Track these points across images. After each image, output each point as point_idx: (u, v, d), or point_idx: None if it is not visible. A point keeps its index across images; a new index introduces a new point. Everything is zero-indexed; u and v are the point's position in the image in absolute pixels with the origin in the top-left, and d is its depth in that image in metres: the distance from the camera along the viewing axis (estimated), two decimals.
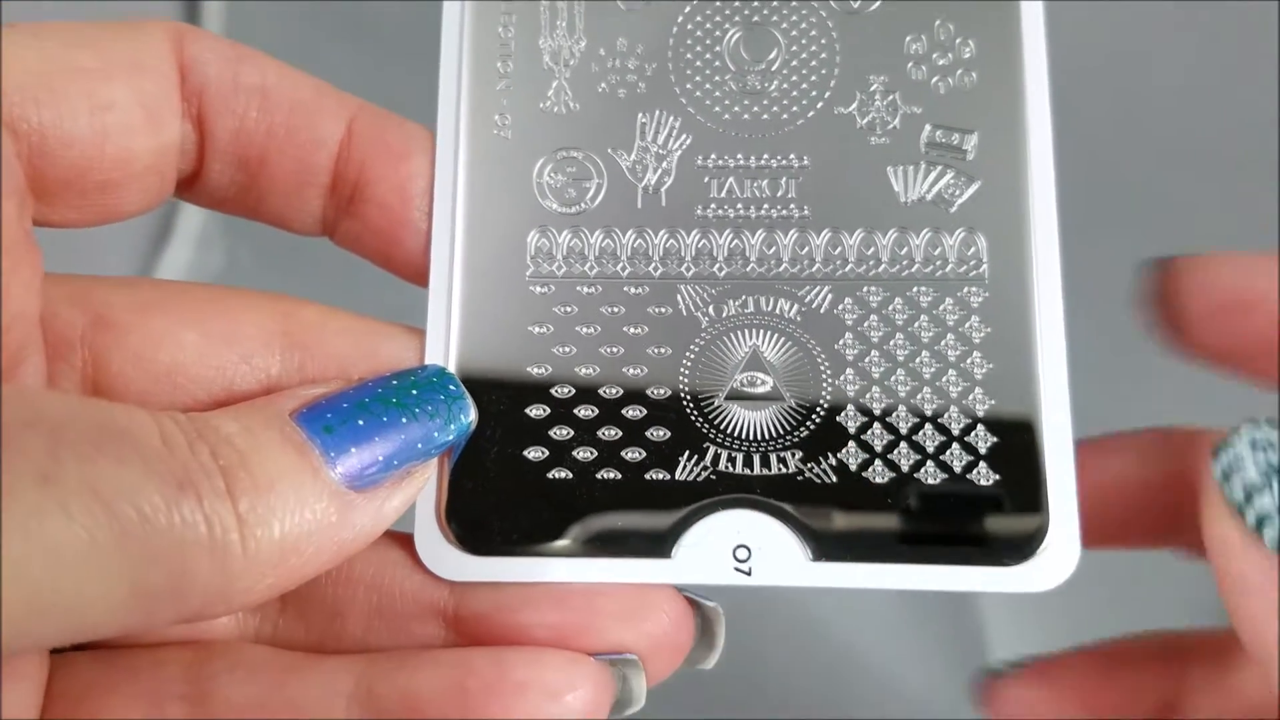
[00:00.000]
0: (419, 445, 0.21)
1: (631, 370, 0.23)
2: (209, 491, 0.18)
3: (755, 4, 0.25)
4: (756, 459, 0.23)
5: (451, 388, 0.22)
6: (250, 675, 0.21)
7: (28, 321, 0.21)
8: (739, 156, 0.24)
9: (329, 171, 0.23)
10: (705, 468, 0.23)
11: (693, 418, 0.23)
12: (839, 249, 0.24)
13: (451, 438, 0.22)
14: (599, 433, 0.23)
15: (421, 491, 0.22)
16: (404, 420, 0.21)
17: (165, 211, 0.47)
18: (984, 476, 0.23)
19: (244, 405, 0.21)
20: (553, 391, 0.23)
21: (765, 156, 0.24)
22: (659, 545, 0.22)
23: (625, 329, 0.23)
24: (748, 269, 0.24)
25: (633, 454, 0.23)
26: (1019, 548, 0.22)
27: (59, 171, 0.21)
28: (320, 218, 0.24)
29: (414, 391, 0.22)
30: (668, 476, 0.23)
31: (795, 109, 0.24)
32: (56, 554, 0.16)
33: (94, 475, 0.17)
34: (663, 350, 0.23)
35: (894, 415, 0.23)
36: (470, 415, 0.23)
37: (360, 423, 0.20)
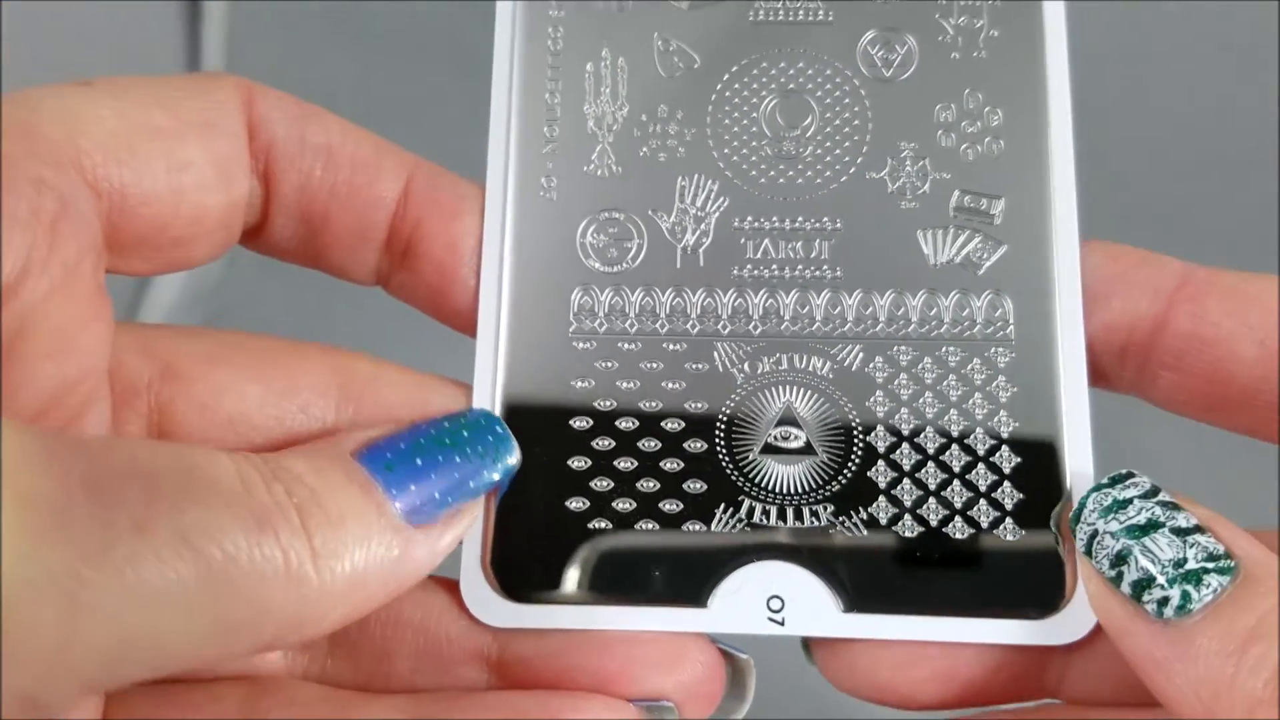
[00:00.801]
0: (470, 484, 0.22)
1: (669, 424, 0.24)
2: (285, 527, 0.19)
3: (791, 73, 0.26)
4: (790, 512, 0.24)
5: (498, 429, 0.23)
6: (303, 710, 0.22)
7: (98, 375, 0.22)
8: (774, 219, 0.25)
9: (386, 228, 0.24)
10: (740, 520, 0.24)
11: (728, 471, 0.24)
12: (870, 309, 0.25)
13: (498, 477, 0.23)
14: (638, 485, 0.24)
15: (469, 531, 0.23)
16: (457, 459, 0.22)
17: None
18: (1010, 532, 0.23)
19: (309, 446, 0.22)
20: (594, 444, 0.24)
21: (800, 219, 0.25)
22: (695, 595, 0.23)
23: (664, 384, 0.24)
24: (782, 327, 0.25)
25: (670, 506, 0.24)
26: (1044, 601, 0.23)
27: (136, 228, 0.22)
28: (375, 269, 0.25)
29: (465, 433, 0.23)
30: (704, 528, 0.24)
31: (829, 174, 0.25)
32: (148, 596, 0.17)
33: (184, 522, 0.18)
34: (699, 405, 0.24)
35: (923, 472, 0.24)
36: (515, 456, 0.24)
37: (418, 461, 0.22)
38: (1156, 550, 0.20)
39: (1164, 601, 0.20)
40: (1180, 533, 0.21)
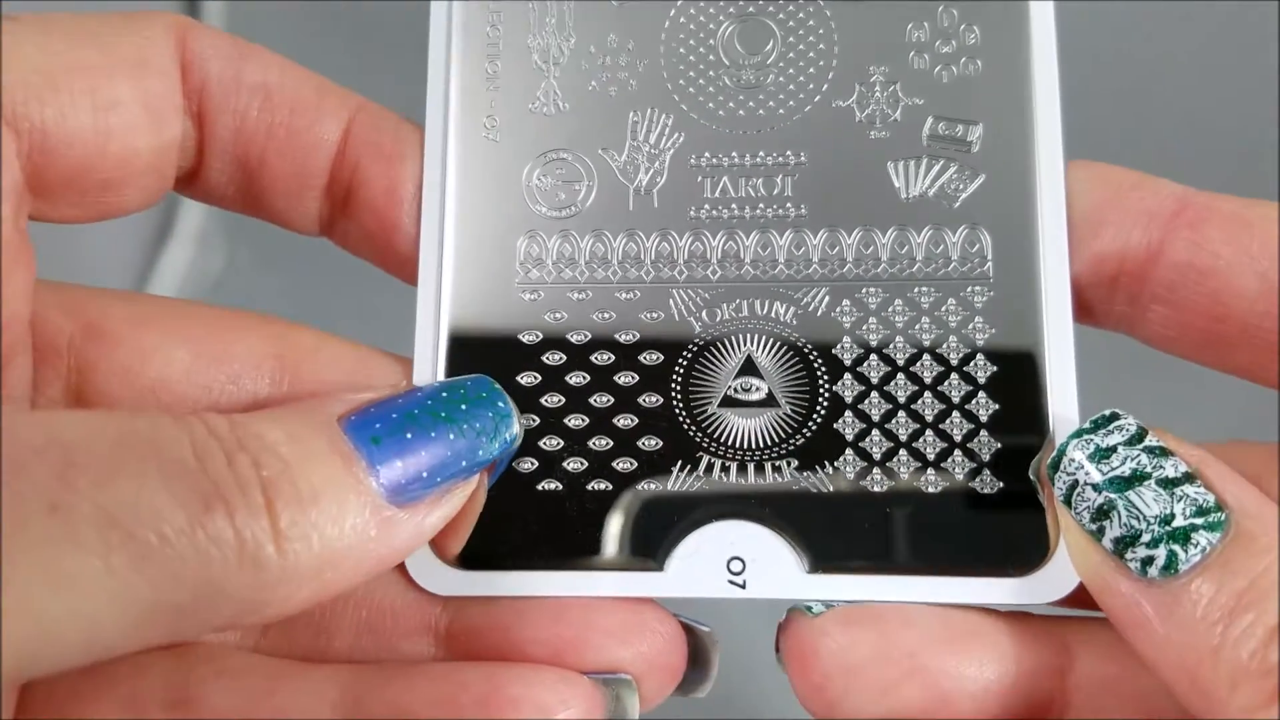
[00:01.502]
0: (463, 462, 0.21)
1: (623, 379, 0.23)
2: (243, 506, 0.18)
3: None
4: (751, 468, 0.22)
5: (500, 404, 0.22)
6: (235, 682, 0.21)
7: (20, 323, 0.21)
8: (733, 154, 0.23)
9: (326, 173, 0.23)
10: (698, 478, 0.22)
11: (685, 426, 0.22)
12: (837, 249, 0.23)
13: (495, 454, 0.21)
14: (590, 443, 0.22)
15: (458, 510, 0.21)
16: (451, 436, 0.20)
17: (165, 210, 0.47)
18: (988, 484, 0.22)
19: (290, 408, 0.20)
20: (543, 401, 0.23)
21: (761, 154, 0.23)
22: (651, 558, 0.22)
23: (617, 335, 0.23)
24: (742, 271, 0.23)
25: (624, 464, 0.22)
26: (1025, 557, 0.21)
27: (60, 170, 0.21)
28: (317, 217, 0.24)
29: (463, 406, 0.21)
30: (660, 487, 0.22)
31: (792, 103, 0.24)
32: (65, 581, 0.16)
33: (109, 499, 0.17)
34: (655, 357, 0.23)
35: (893, 422, 0.22)
36: (515, 430, 0.22)
37: (408, 435, 0.20)
38: (1142, 505, 0.19)
39: (1149, 561, 0.19)
40: (1168, 484, 0.19)
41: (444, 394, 0.21)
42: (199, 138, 0.23)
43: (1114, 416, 0.20)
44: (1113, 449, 0.20)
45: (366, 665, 0.21)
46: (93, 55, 0.21)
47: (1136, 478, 0.19)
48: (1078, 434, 0.20)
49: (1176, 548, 0.18)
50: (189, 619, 0.18)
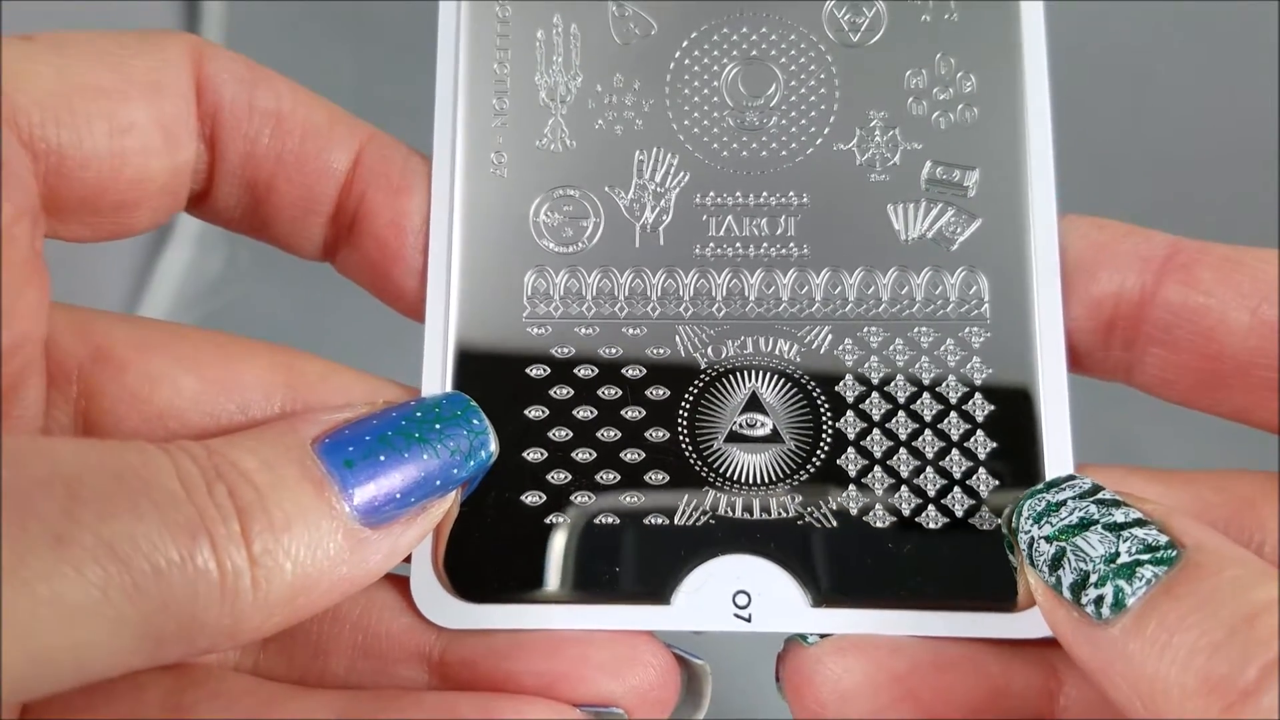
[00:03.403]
0: (437, 482, 0.21)
1: (630, 413, 0.23)
2: (223, 536, 0.18)
3: (754, 39, 0.25)
4: (756, 503, 0.23)
5: (475, 422, 0.22)
6: (230, 704, 0.21)
7: (34, 344, 0.21)
8: (737, 194, 0.24)
9: (334, 201, 0.23)
10: (705, 512, 0.23)
11: (692, 461, 0.23)
12: (839, 288, 0.23)
13: (470, 473, 0.22)
14: (597, 477, 0.23)
15: (433, 528, 0.22)
16: (425, 456, 0.21)
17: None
18: (986, 521, 0.22)
19: (264, 431, 0.20)
20: (550, 435, 0.23)
21: (764, 194, 0.24)
22: (658, 592, 0.22)
23: (623, 371, 0.23)
24: (747, 309, 0.23)
25: (631, 498, 0.23)
26: (1016, 594, 0.22)
27: (75, 191, 0.21)
28: (321, 243, 0.24)
29: (437, 426, 0.21)
30: (666, 521, 0.23)
31: (794, 145, 0.24)
32: (66, 611, 0.16)
33: (110, 533, 0.17)
34: (661, 392, 0.23)
35: (895, 459, 0.23)
36: (491, 448, 0.22)
37: (381, 458, 0.20)
38: (1088, 548, 0.19)
39: (1099, 600, 0.19)
40: (1115, 528, 0.19)
41: (418, 414, 0.21)
42: (210, 160, 0.23)
43: (1070, 477, 0.21)
44: (1062, 503, 0.20)
45: (362, 692, 0.22)
46: (109, 77, 0.21)
47: (1083, 524, 0.20)
48: (1031, 494, 0.21)
49: (1122, 583, 0.19)
50: (169, 646, 0.18)
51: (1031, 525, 0.20)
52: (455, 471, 0.21)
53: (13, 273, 0.20)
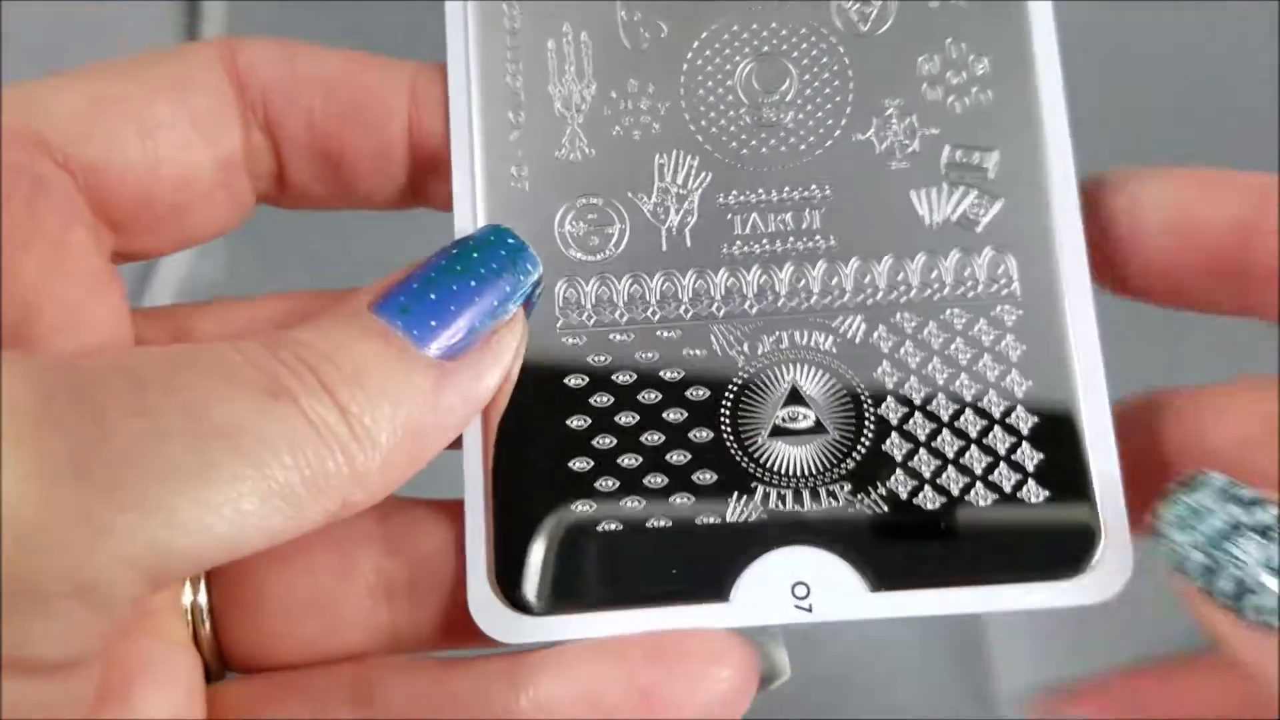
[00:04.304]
0: (494, 303, 0.21)
1: (671, 415, 0.23)
2: (302, 390, 0.18)
3: (764, 34, 0.25)
4: (806, 494, 0.23)
5: (510, 240, 0.22)
6: (412, 676, 0.22)
7: (123, 347, 0.22)
8: (760, 191, 0.24)
9: (404, 142, 0.24)
10: (755, 507, 0.23)
11: (737, 458, 0.23)
12: (868, 277, 0.24)
13: (519, 289, 0.22)
14: (644, 481, 0.23)
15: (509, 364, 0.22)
16: (473, 283, 0.21)
17: None
18: (1033, 494, 0.23)
19: (318, 314, 0.21)
20: (594, 443, 0.23)
21: (786, 189, 0.24)
22: (716, 590, 0.22)
23: (661, 374, 0.23)
24: (779, 304, 0.24)
25: (681, 500, 0.23)
26: (1074, 561, 0.22)
27: (123, 201, 0.22)
28: (410, 189, 0.24)
29: (475, 255, 0.22)
30: (718, 520, 0.23)
31: (812, 139, 0.24)
32: (167, 475, 0.17)
33: (184, 401, 0.17)
34: (701, 392, 0.23)
35: (939, 440, 0.23)
36: (536, 263, 0.22)
37: (432, 296, 0.21)
38: (1241, 554, 0.19)
39: (1260, 609, 0.19)
40: (1263, 530, 0.19)
41: (454, 251, 0.22)
42: (273, 144, 0.23)
43: (1199, 475, 0.20)
44: (1203, 507, 0.20)
45: (528, 654, 0.22)
46: (131, 87, 0.22)
47: (1231, 529, 0.19)
48: (1170, 499, 0.20)
49: None
50: (303, 503, 0.18)
51: (1177, 533, 0.20)
52: (507, 288, 0.22)
53: (80, 283, 0.21)
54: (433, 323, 0.20)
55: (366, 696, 0.22)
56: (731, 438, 0.23)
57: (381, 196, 0.24)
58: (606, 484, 0.23)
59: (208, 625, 0.23)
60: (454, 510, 0.23)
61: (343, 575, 0.23)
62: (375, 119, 0.23)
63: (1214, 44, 0.42)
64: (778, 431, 0.23)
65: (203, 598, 0.23)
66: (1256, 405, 0.22)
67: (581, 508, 0.23)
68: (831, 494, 0.23)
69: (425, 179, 0.24)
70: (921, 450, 0.23)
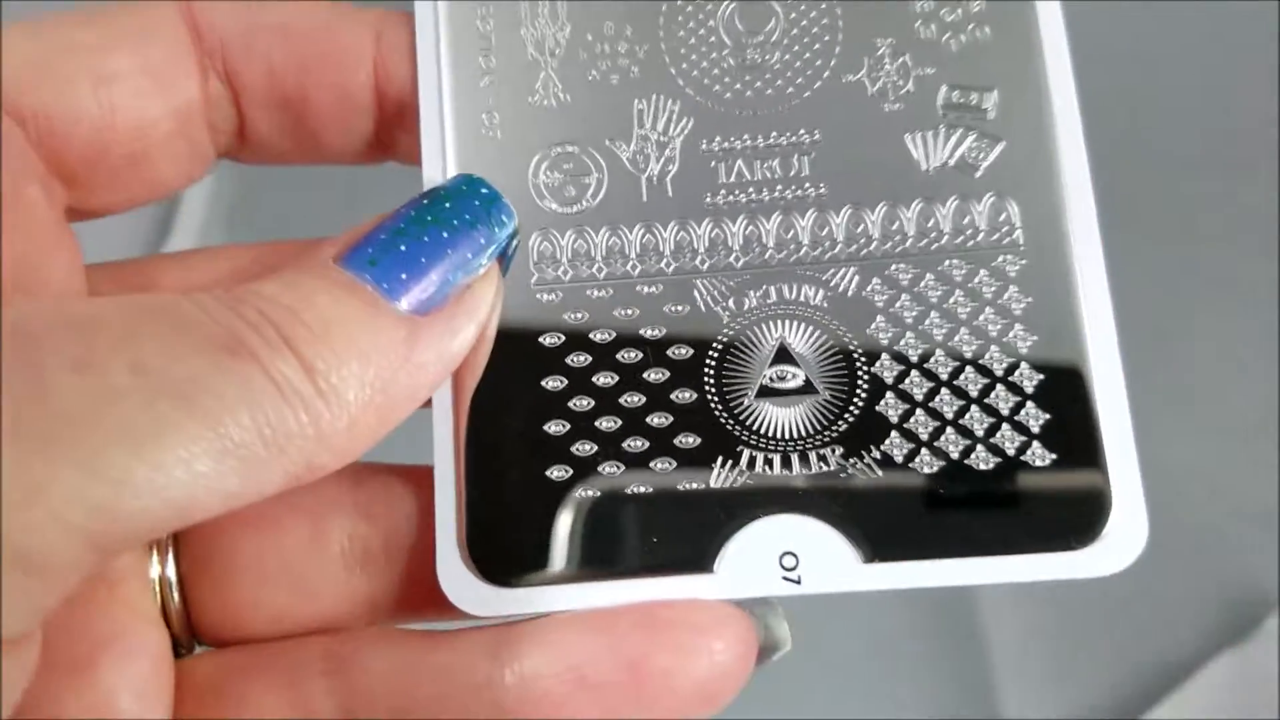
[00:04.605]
0: (468, 255, 0.20)
1: (653, 375, 0.22)
2: (263, 346, 0.17)
3: None
4: (795, 459, 0.21)
5: (484, 190, 0.21)
6: (390, 649, 0.21)
7: None
8: (745, 137, 0.23)
9: (370, 90, 0.23)
10: (741, 472, 0.21)
11: (722, 420, 0.21)
12: (861, 226, 0.22)
13: (495, 241, 0.21)
14: (624, 444, 0.21)
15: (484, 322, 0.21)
16: (445, 235, 0.20)
17: (165, 210, 0.46)
18: (1039, 457, 0.21)
19: (284, 266, 0.20)
20: (571, 404, 0.22)
21: (774, 134, 0.23)
22: (700, 560, 0.21)
23: (642, 331, 0.22)
24: (766, 256, 0.22)
25: (662, 464, 0.21)
26: (1085, 529, 0.21)
27: (76, 151, 0.21)
28: (376, 140, 0.23)
29: (447, 204, 0.21)
30: (702, 485, 0.21)
31: (800, 80, 0.23)
32: (113, 435, 0.16)
33: (134, 354, 0.16)
34: (684, 351, 0.22)
35: (937, 400, 0.21)
36: (511, 214, 0.21)
37: (402, 247, 0.19)
38: None
39: None
40: None
41: (425, 201, 0.21)
42: (232, 94, 0.22)
43: None
44: None
45: (512, 625, 0.21)
46: (88, 35, 0.21)
47: None
48: None
49: None
50: (261, 465, 0.17)
51: None
52: (481, 240, 0.20)
53: (35, 238, 0.20)
54: (403, 275, 0.19)
55: (343, 669, 0.21)
56: (716, 399, 0.22)
57: (347, 149, 0.23)
58: (583, 448, 0.21)
59: (176, 596, 0.22)
60: (428, 476, 0.22)
61: (314, 542, 0.22)
62: (338, 67, 0.22)
63: (1214, 44, 0.41)
64: (765, 392, 0.22)
65: (171, 568, 0.22)
66: None
67: (557, 472, 0.21)
68: (822, 458, 0.21)
69: (392, 130, 0.23)
70: (918, 411, 0.21)
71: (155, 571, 0.22)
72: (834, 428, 0.21)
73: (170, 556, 0.22)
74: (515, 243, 0.22)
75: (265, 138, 0.23)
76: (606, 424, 0.22)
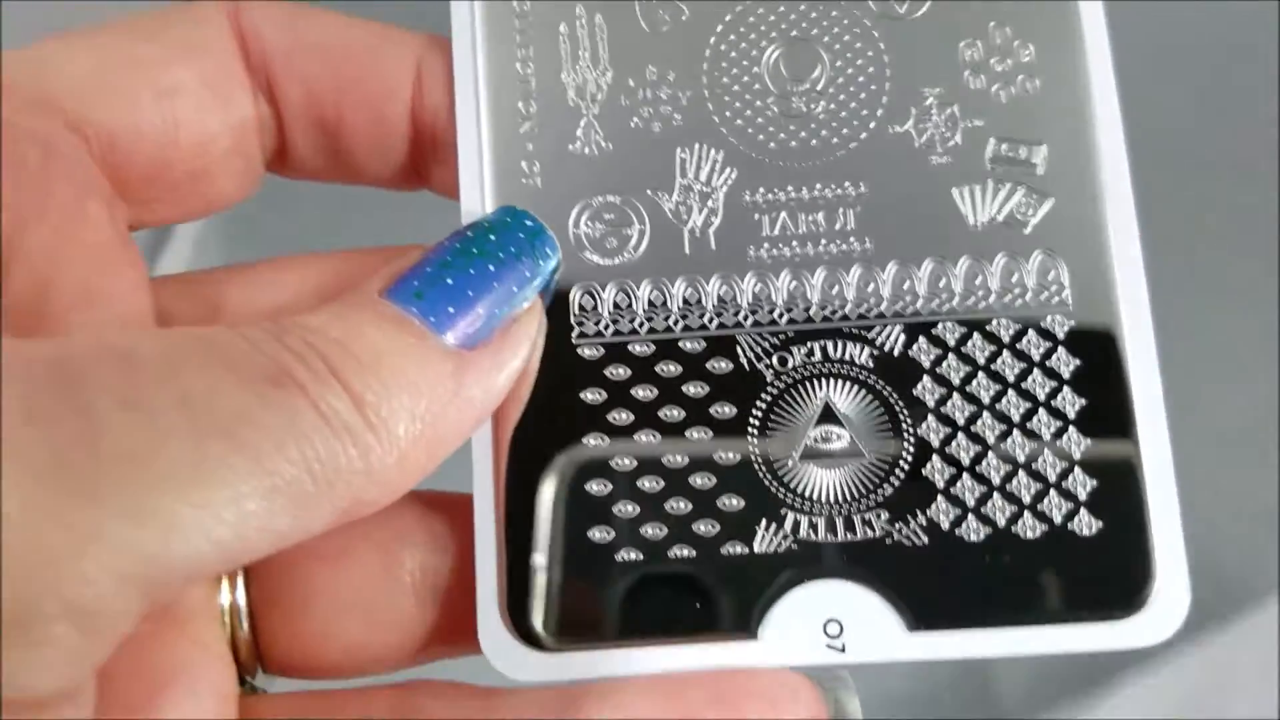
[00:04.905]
0: (514, 288, 0.20)
1: (695, 434, 0.21)
2: (311, 379, 0.17)
3: (793, 17, 0.23)
4: (840, 523, 0.21)
5: (528, 223, 0.21)
6: (453, 704, 0.21)
7: (145, 318, 0.21)
8: (789, 189, 0.22)
9: (406, 119, 0.22)
10: (785, 536, 0.21)
11: (766, 482, 0.21)
12: (907, 283, 0.22)
13: (540, 274, 0.21)
14: (666, 506, 0.21)
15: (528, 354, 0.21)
16: (491, 268, 0.20)
17: None
18: (1086, 525, 0.21)
19: (330, 300, 0.19)
20: (613, 464, 0.21)
21: (818, 186, 0.22)
22: (744, 625, 0.21)
23: (684, 389, 0.22)
24: (811, 312, 0.22)
25: (705, 527, 0.21)
26: (1129, 599, 0.21)
27: (139, 167, 0.21)
28: (410, 167, 0.23)
29: (492, 237, 0.21)
30: (745, 550, 0.21)
31: (846, 131, 0.22)
32: (160, 477, 0.15)
33: (179, 389, 0.16)
34: (726, 410, 0.21)
35: (984, 464, 0.21)
36: (555, 247, 0.21)
37: (449, 281, 0.19)
38: None
39: None
40: None
41: (470, 234, 0.21)
42: (275, 112, 0.22)
43: None
44: None
45: (578, 689, 0.20)
46: (145, 49, 0.21)
47: None
48: None
49: None
50: (310, 502, 0.17)
51: None
52: (526, 273, 0.20)
53: (97, 255, 0.20)
54: (450, 309, 0.19)
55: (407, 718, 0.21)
56: (760, 460, 0.21)
57: (382, 173, 0.23)
58: (626, 509, 0.21)
59: (245, 626, 0.22)
60: None
61: (386, 574, 0.22)
62: (376, 93, 0.22)
63: (1214, 43, 0.41)
64: (810, 453, 0.21)
65: (241, 598, 0.22)
66: None
67: (599, 534, 0.21)
68: (867, 523, 0.21)
69: (427, 159, 0.23)
70: (965, 475, 0.21)
71: (225, 600, 0.22)
72: (879, 491, 0.21)
73: (241, 586, 0.22)
74: (557, 275, 0.22)
75: (304, 158, 0.23)
76: (649, 485, 0.21)
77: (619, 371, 0.22)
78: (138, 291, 0.21)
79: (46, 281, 0.19)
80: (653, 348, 0.22)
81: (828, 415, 0.21)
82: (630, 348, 0.22)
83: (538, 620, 0.21)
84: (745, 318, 0.22)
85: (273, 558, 0.20)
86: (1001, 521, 0.21)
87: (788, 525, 0.21)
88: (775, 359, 0.22)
